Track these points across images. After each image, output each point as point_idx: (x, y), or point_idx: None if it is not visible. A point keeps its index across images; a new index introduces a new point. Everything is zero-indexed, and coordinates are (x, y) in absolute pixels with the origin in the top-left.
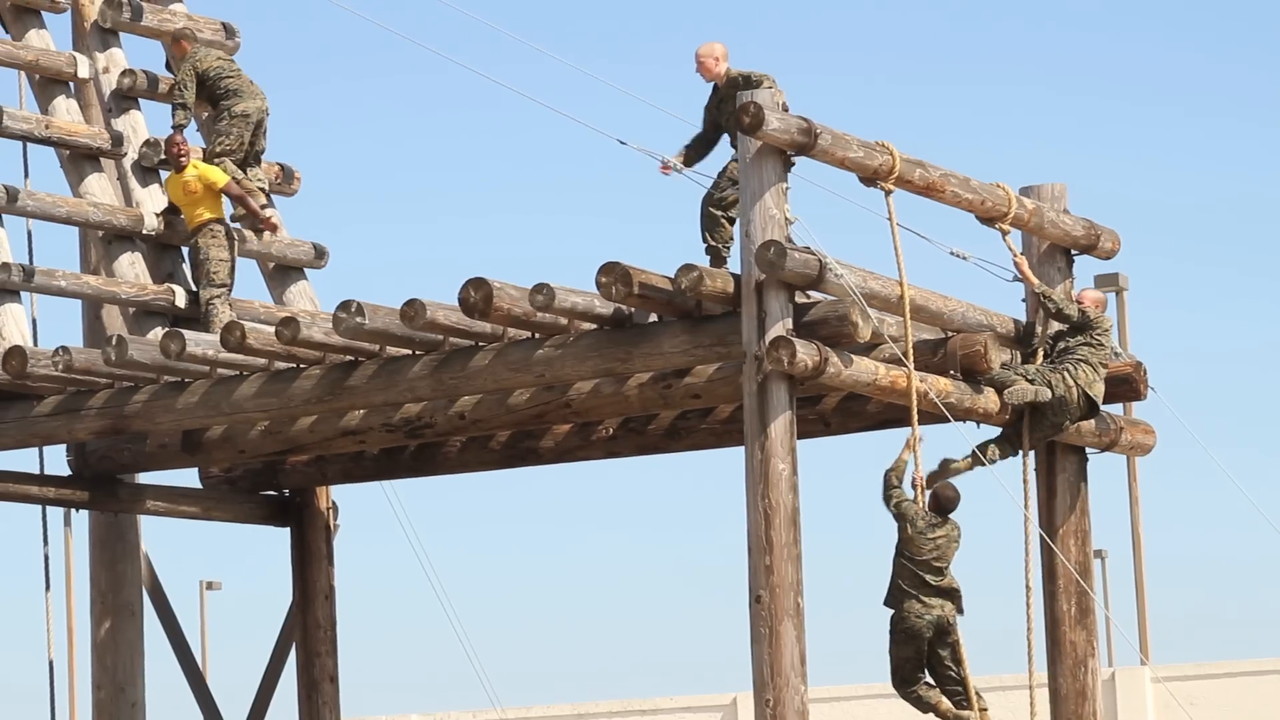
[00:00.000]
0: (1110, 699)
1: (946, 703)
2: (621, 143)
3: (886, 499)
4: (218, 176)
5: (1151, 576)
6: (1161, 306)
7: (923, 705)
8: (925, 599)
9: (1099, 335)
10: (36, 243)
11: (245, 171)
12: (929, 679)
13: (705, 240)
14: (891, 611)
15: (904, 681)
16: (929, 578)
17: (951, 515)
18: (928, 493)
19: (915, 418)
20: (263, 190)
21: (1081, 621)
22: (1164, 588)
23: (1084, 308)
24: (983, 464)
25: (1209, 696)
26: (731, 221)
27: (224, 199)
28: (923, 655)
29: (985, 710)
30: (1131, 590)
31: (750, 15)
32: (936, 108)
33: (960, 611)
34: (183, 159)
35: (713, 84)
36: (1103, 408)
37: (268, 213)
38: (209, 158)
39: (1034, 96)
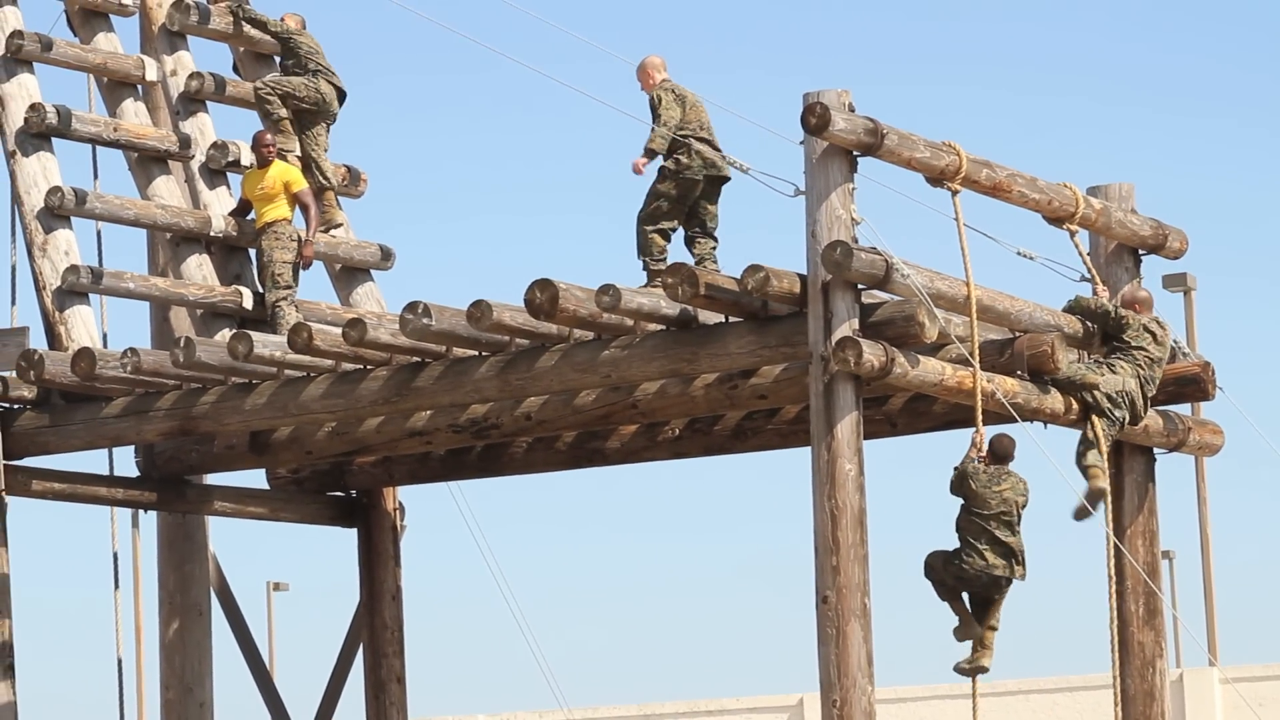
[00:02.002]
0: (1178, 700)
1: (963, 604)
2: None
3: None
4: (297, 178)
5: (1220, 577)
6: (1230, 307)
7: (943, 593)
8: (990, 555)
9: (1126, 337)
10: (105, 245)
11: (321, 171)
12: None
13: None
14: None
15: (931, 569)
16: (998, 532)
17: (1013, 469)
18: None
19: (980, 418)
20: (330, 188)
21: (1150, 622)
22: (1232, 589)
23: (1105, 301)
24: (1101, 482)
25: (1278, 698)
26: (665, 236)
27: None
28: (958, 593)
29: (995, 630)
30: (1200, 591)
31: (816, 22)
32: (1002, 112)
33: (1022, 576)
34: (270, 156)
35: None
36: (1170, 408)
37: (308, 252)
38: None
39: (1102, 99)
